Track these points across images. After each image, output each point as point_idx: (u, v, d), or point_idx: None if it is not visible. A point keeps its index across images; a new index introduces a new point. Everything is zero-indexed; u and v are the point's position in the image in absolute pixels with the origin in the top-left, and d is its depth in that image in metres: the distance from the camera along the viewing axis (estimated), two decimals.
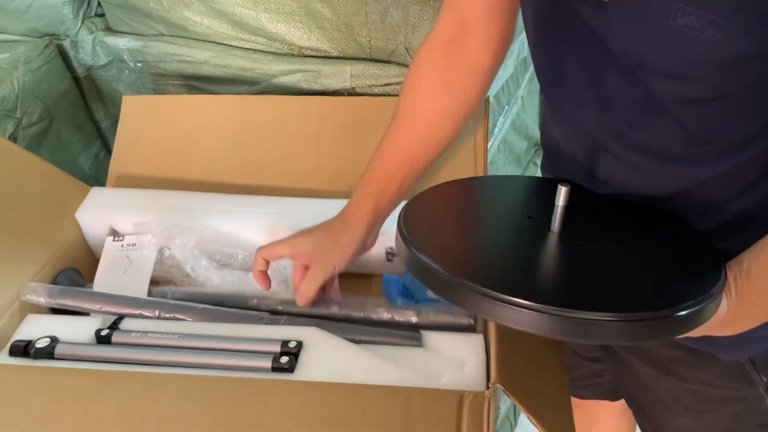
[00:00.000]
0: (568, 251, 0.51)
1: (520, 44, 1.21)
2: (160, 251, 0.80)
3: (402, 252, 0.51)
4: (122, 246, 0.81)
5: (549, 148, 0.66)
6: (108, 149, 1.24)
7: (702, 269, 0.49)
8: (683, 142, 0.50)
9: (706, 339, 0.62)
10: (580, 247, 0.51)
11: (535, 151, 1.50)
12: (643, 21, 0.44)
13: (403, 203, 0.62)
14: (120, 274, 0.78)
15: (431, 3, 0.82)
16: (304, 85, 0.93)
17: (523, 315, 0.43)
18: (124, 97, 0.89)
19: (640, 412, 0.76)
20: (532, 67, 1.34)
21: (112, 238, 0.82)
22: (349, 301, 0.72)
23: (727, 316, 0.49)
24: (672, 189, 0.54)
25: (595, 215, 0.58)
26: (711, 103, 0.46)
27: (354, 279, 0.77)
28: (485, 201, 0.64)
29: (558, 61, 0.54)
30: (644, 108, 0.49)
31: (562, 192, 0.50)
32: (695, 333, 0.48)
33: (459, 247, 0.53)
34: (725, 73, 0.43)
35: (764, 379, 0.64)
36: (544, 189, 0.64)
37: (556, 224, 0.51)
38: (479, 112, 0.84)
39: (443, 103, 0.66)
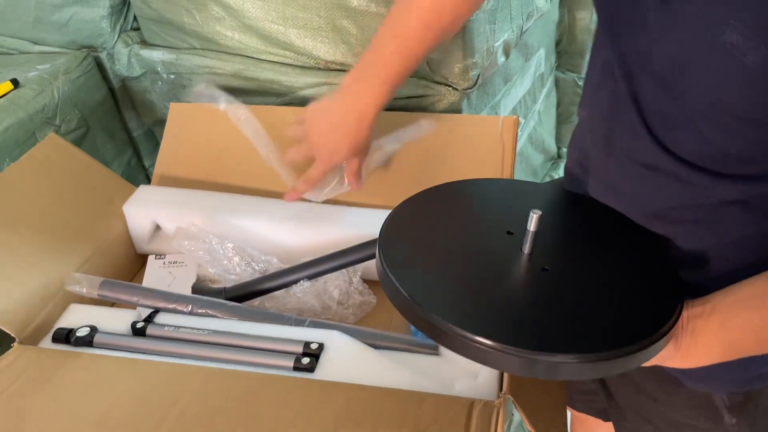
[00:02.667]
0: (534, 279, 0.53)
1: (537, 60, 1.25)
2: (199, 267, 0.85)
3: (379, 271, 0.54)
4: (164, 264, 0.86)
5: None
6: (139, 156, 1.30)
7: (658, 305, 0.50)
8: (701, 155, 0.50)
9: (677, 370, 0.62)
10: (546, 274, 0.53)
11: (552, 164, 1.53)
12: (694, 28, 0.43)
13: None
14: (164, 288, 0.82)
15: (466, 26, 0.86)
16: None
17: (480, 351, 0.46)
18: (171, 104, 0.94)
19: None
20: (549, 82, 1.38)
21: (154, 256, 0.87)
22: (368, 332, 0.73)
23: (678, 352, 0.51)
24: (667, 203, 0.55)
25: (570, 233, 0.60)
26: (744, 124, 0.45)
27: (376, 286, 0.80)
28: (468, 212, 0.64)
29: (607, 39, 0.54)
30: (666, 114, 0.50)
31: (534, 218, 0.52)
32: (645, 365, 0.50)
33: (431, 272, 0.54)
34: (759, 100, 0.42)
35: (734, 421, 0.63)
36: (536, 197, 0.66)
37: (527, 247, 0.54)
38: (508, 131, 0.86)
39: None
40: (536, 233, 0.53)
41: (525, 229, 0.54)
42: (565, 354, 0.45)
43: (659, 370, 0.64)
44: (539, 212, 0.52)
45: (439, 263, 0.56)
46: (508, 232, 0.58)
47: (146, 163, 1.32)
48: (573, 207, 0.65)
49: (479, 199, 0.66)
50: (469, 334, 0.46)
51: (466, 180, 0.68)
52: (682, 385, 0.63)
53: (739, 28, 0.39)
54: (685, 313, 0.51)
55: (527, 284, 0.54)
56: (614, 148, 0.56)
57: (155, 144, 1.32)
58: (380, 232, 0.57)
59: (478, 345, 0.46)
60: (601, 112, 0.57)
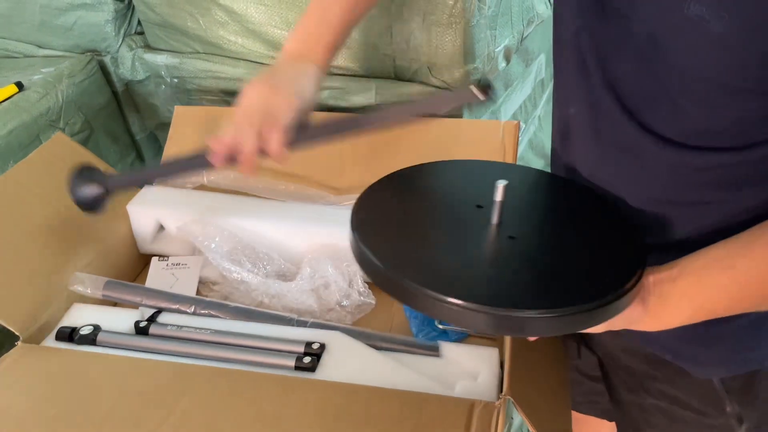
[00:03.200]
0: (501, 246, 0.55)
1: (538, 66, 1.26)
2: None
3: (351, 244, 0.56)
4: (167, 265, 0.87)
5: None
6: (142, 159, 1.31)
7: (620, 267, 0.52)
8: (680, 131, 0.51)
9: (677, 351, 0.64)
10: (513, 241, 0.55)
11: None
12: (663, 5, 0.45)
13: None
14: (167, 289, 0.82)
15: (453, 26, 0.88)
16: (331, 102, 0.99)
17: (453, 312, 0.48)
18: (176, 107, 0.95)
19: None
20: (549, 88, 1.39)
21: (157, 258, 0.88)
22: (369, 333, 0.74)
23: (647, 315, 0.52)
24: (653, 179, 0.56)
25: (538, 205, 0.63)
26: (719, 96, 0.46)
27: (379, 290, 0.80)
28: (439, 189, 0.67)
29: (576, 29, 0.55)
30: (645, 94, 0.51)
31: (500, 188, 0.54)
32: (614, 326, 0.52)
33: (403, 242, 0.57)
34: (726, 65, 0.44)
35: (737, 408, 0.64)
36: (506, 174, 0.66)
37: (495, 218, 0.56)
38: (509, 135, 0.87)
39: None
40: (503, 203, 0.55)
41: (493, 202, 0.56)
42: (529, 310, 0.47)
43: (661, 364, 0.64)
44: (505, 182, 0.54)
45: (410, 233, 0.58)
46: (478, 206, 0.59)
47: None
48: (542, 181, 0.67)
49: (451, 177, 0.68)
50: (440, 295, 0.48)
51: (439, 161, 0.69)
52: (685, 376, 0.64)
53: (700, 0, 0.41)
54: (652, 277, 0.52)
55: (494, 251, 0.55)
56: (600, 140, 0.57)
57: (158, 147, 1.33)
58: (353, 208, 0.59)
59: (449, 305, 0.48)
60: (581, 107, 0.58)
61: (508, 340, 0.68)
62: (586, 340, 0.80)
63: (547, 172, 0.68)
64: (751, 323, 0.60)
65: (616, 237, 0.57)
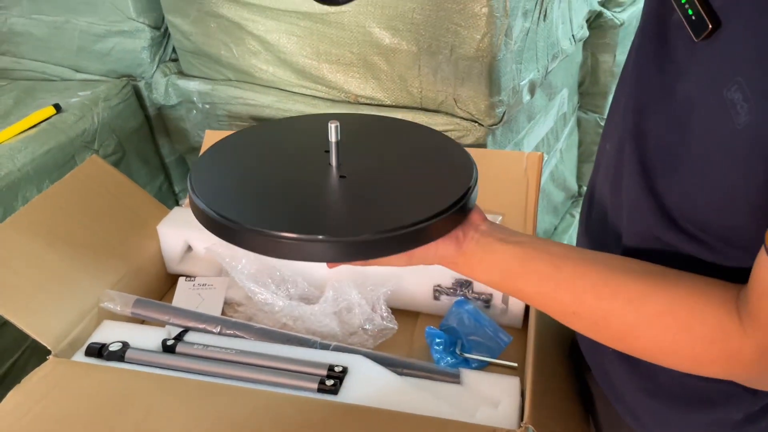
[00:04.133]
0: (333, 184, 0.58)
1: (561, 100, 1.28)
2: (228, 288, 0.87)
3: (191, 203, 0.57)
4: (194, 285, 0.89)
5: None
6: (170, 182, 1.34)
7: (436, 205, 0.53)
8: (679, 205, 0.49)
9: (625, 405, 0.63)
10: (347, 182, 0.58)
11: (572, 202, 1.54)
12: (708, 78, 0.43)
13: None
14: (193, 308, 0.84)
15: (480, 60, 0.90)
16: None
17: (279, 245, 0.50)
18: (207, 131, 0.98)
19: None
20: (571, 122, 1.41)
21: (184, 278, 0.90)
22: (391, 358, 0.75)
23: (461, 256, 0.54)
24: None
25: (378, 147, 0.64)
26: (727, 189, 0.44)
27: (400, 315, 0.82)
28: (286, 140, 0.67)
29: (628, 71, 0.55)
30: (668, 155, 0.50)
31: (332, 128, 0.57)
32: (427, 258, 0.54)
33: (240, 190, 0.59)
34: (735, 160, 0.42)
35: None
36: (353, 124, 0.69)
37: (334, 159, 0.58)
38: (532, 167, 0.89)
39: None
40: (339, 144, 0.58)
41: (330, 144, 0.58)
42: (328, 235, 0.50)
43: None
44: (336, 122, 0.57)
45: (249, 181, 0.60)
46: (326, 151, 0.61)
47: (176, 189, 1.35)
48: (393, 125, 0.69)
49: (299, 131, 0.69)
50: (259, 229, 0.51)
51: (288, 117, 0.71)
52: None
53: (741, 86, 0.40)
54: (485, 226, 0.55)
55: (325, 189, 0.58)
56: (617, 185, 0.57)
57: (186, 170, 1.36)
58: (192, 165, 0.60)
59: (263, 237, 0.51)
60: (611, 146, 0.59)
61: (529, 370, 0.69)
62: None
63: (394, 118, 0.70)
64: None
65: (445, 177, 0.59)
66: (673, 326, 0.46)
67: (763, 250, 0.40)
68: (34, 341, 1.03)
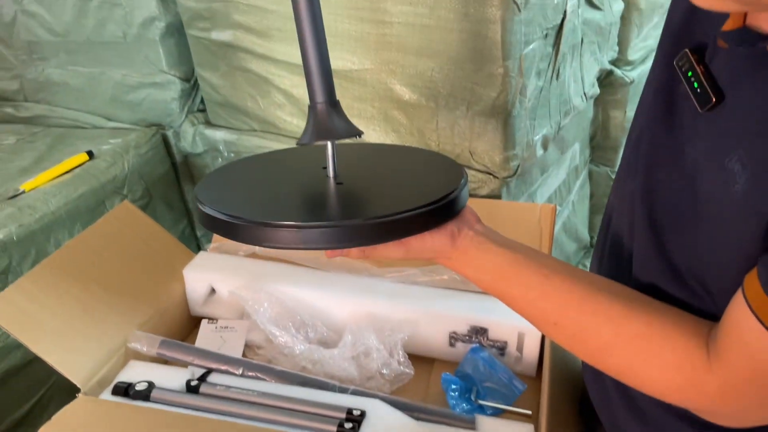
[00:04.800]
0: (331, 189, 0.63)
1: (572, 154, 1.32)
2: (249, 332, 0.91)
3: (196, 212, 0.62)
4: (216, 328, 0.92)
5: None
6: (192, 227, 1.38)
7: (422, 205, 0.57)
8: (684, 261, 0.51)
9: None
10: (343, 186, 0.63)
11: (584, 253, 1.57)
12: (712, 147, 0.46)
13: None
14: (214, 349, 0.87)
15: (495, 116, 0.94)
16: None
17: (279, 233, 0.55)
18: None
19: None
20: (583, 175, 1.44)
21: (207, 320, 0.93)
22: (408, 404, 0.77)
23: (455, 251, 0.58)
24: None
25: (372, 163, 0.71)
26: (720, 240, 0.46)
27: (416, 361, 0.84)
28: (288, 161, 0.74)
29: (640, 129, 0.58)
30: (675, 212, 0.52)
31: (329, 146, 0.62)
32: (423, 252, 0.58)
33: (246, 195, 0.64)
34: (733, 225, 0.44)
35: None
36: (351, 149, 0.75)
37: (330, 170, 0.63)
38: (546, 218, 0.92)
39: None
40: (335, 159, 0.63)
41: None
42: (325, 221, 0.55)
43: None
44: (334, 141, 0.62)
45: (251, 189, 0.66)
46: (323, 167, 0.66)
47: (198, 233, 1.40)
48: (382, 148, 0.78)
49: (298, 155, 0.75)
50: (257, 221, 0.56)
51: (289, 148, 0.79)
52: None
53: (741, 157, 0.43)
54: (480, 227, 0.59)
55: (324, 192, 0.64)
56: (630, 233, 0.60)
57: None
58: (198, 182, 0.66)
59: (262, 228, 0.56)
60: (622, 201, 0.62)
61: (543, 418, 0.71)
62: None
63: (396, 144, 0.79)
64: None
65: (435, 180, 0.63)
66: (646, 349, 0.49)
67: (740, 293, 0.43)
68: (57, 381, 1.06)
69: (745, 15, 0.45)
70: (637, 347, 0.50)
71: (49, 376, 1.06)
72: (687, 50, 0.49)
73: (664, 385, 0.49)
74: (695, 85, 0.47)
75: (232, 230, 0.57)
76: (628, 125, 1.45)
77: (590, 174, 1.53)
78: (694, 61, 0.48)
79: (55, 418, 0.71)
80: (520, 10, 0.86)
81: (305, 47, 0.60)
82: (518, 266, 0.56)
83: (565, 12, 0.99)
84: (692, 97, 0.48)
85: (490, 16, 0.85)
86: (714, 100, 0.45)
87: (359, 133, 0.63)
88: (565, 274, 0.55)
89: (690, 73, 0.48)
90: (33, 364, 1.03)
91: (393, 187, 0.65)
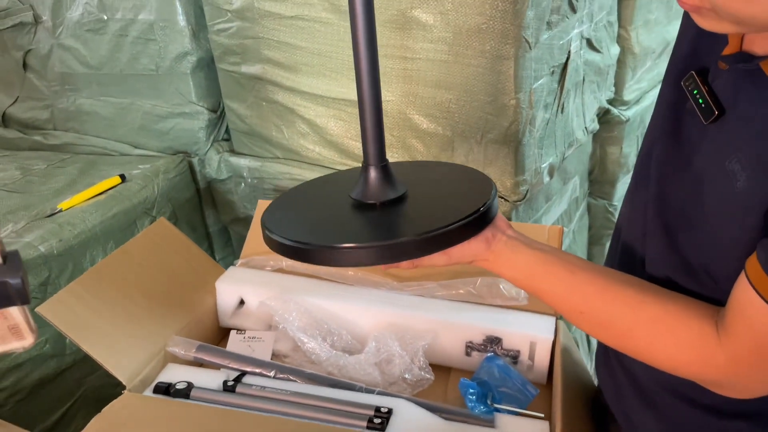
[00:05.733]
0: (365, 213, 0.71)
1: (573, 185, 1.41)
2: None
3: (265, 238, 0.69)
4: (244, 338, 0.98)
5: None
6: (212, 249, 1.44)
7: (461, 212, 0.65)
8: (697, 257, 0.58)
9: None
10: (375, 210, 0.70)
11: None
12: (715, 154, 0.54)
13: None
14: None
15: (507, 144, 1.03)
16: None
17: (338, 254, 0.63)
18: (259, 201, 1.10)
19: None
20: (582, 206, 1.53)
21: (235, 331, 0.99)
22: (430, 404, 0.82)
23: (491, 254, 0.65)
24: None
25: (412, 179, 0.76)
26: (732, 245, 0.53)
27: (434, 370, 0.89)
28: (340, 183, 0.81)
29: (651, 144, 0.65)
30: (686, 216, 0.60)
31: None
32: (464, 256, 0.65)
33: (305, 221, 0.73)
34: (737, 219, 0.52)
35: None
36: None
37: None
38: (553, 239, 0.98)
39: None
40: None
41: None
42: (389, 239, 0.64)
43: None
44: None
45: (308, 215, 0.74)
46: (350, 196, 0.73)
47: (217, 257, 1.46)
48: (416, 165, 0.85)
49: (340, 180, 0.83)
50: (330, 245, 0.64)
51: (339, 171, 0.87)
52: None
53: (739, 159, 0.51)
54: (512, 231, 0.67)
55: (376, 213, 0.71)
56: (641, 239, 0.67)
57: (227, 239, 1.47)
58: (262, 219, 0.73)
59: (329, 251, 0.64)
60: (632, 212, 0.69)
61: (558, 415, 0.76)
62: None
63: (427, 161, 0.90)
64: None
65: (468, 194, 0.69)
66: (663, 330, 0.57)
67: (743, 274, 0.51)
68: (85, 392, 1.11)
69: (742, 41, 0.54)
70: (656, 329, 0.57)
71: (78, 387, 1.10)
72: (693, 72, 0.58)
73: (680, 361, 0.56)
74: (700, 101, 0.56)
75: (303, 254, 0.65)
76: (624, 161, 1.54)
77: (588, 207, 1.61)
78: (699, 82, 0.56)
79: (104, 411, 0.76)
80: (531, 48, 0.95)
81: (364, 114, 0.69)
82: (547, 264, 0.63)
83: (569, 52, 1.09)
84: (698, 112, 0.56)
85: (505, 53, 0.94)
86: (716, 112, 0.54)
87: (403, 193, 0.71)
88: (589, 270, 0.62)
89: (695, 91, 0.56)
90: (64, 374, 1.08)
91: (433, 201, 0.72)
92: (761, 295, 0.48)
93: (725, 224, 0.54)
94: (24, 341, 0.53)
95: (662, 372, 0.59)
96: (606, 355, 0.76)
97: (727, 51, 0.54)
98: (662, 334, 0.57)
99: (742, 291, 0.50)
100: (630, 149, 1.56)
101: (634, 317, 0.58)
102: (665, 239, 0.61)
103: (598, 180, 1.60)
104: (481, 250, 0.66)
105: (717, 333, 0.54)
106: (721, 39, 0.55)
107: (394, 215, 0.70)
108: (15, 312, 0.51)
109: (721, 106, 0.54)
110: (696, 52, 0.60)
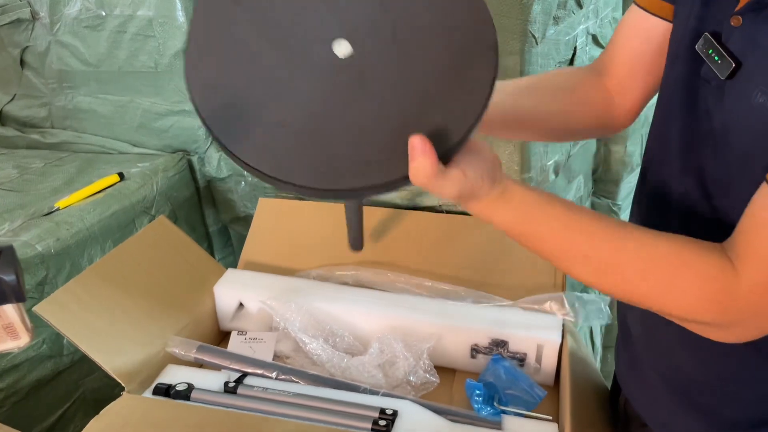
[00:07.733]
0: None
1: (578, 184, 1.39)
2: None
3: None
4: (245, 339, 0.96)
5: None
6: (212, 249, 1.42)
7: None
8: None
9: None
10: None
11: None
12: (739, 100, 0.53)
13: None
14: None
15: (512, 141, 1.01)
16: (399, 201, 1.11)
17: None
18: (260, 199, 1.08)
19: None
20: (587, 204, 1.51)
21: (236, 332, 0.97)
22: (436, 406, 0.81)
23: (492, 190, 0.55)
24: None
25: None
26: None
27: (439, 372, 0.88)
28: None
29: (667, 126, 0.64)
30: (722, 180, 0.58)
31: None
32: (464, 190, 0.53)
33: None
34: None
35: None
36: None
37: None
38: None
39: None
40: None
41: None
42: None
43: None
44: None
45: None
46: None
47: (217, 257, 1.44)
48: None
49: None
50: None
51: None
52: None
53: (764, 90, 0.50)
54: (509, 181, 0.56)
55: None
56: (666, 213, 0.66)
57: (227, 239, 1.45)
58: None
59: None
60: (661, 150, 0.67)
61: (567, 417, 0.75)
62: None
63: None
64: None
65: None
66: (678, 264, 0.53)
67: (764, 185, 0.49)
68: (83, 394, 1.09)
69: None
70: (672, 264, 0.53)
71: (77, 388, 1.08)
72: (706, 33, 0.57)
73: (699, 297, 0.52)
74: (716, 58, 0.55)
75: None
76: (628, 159, 1.53)
77: (592, 206, 1.59)
78: (713, 41, 0.56)
79: (103, 412, 0.74)
80: (537, 44, 0.94)
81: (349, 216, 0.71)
82: (545, 204, 0.57)
83: (575, 48, 1.07)
84: (714, 70, 0.56)
85: (511, 48, 0.92)
86: (734, 65, 0.53)
87: None
88: (590, 211, 0.58)
89: (710, 51, 0.56)
90: (62, 375, 1.05)
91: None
92: None
93: (751, 149, 0.52)
94: (19, 341, 0.51)
95: (703, 368, 0.57)
96: (633, 361, 0.74)
97: (740, 5, 0.54)
98: (679, 269, 0.53)
99: (762, 199, 0.49)
100: (634, 148, 1.54)
101: (647, 255, 0.54)
102: (703, 199, 0.60)
103: (602, 179, 1.58)
104: (483, 191, 0.55)
105: (732, 263, 0.51)
106: (726, 3, 0.56)
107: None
108: (9, 310, 0.49)
109: (737, 59, 0.53)
110: (703, 21, 0.59)
